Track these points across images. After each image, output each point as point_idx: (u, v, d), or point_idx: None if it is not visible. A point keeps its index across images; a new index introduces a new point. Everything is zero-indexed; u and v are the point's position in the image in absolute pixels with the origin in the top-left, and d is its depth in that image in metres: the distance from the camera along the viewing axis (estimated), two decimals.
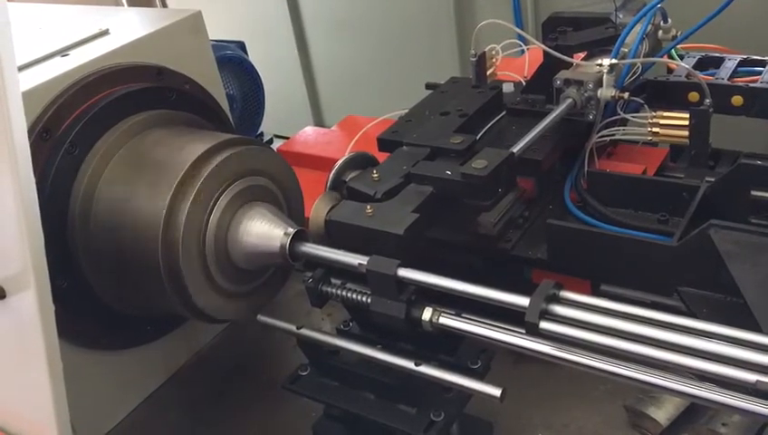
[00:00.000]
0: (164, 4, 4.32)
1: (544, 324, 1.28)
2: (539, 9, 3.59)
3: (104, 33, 2.01)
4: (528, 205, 1.87)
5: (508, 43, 2.18)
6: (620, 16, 2.03)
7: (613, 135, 1.87)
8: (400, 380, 1.53)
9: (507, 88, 2.11)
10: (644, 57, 1.96)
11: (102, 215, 1.73)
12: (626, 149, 2.02)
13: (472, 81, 2.10)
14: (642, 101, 1.89)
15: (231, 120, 2.22)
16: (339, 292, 1.53)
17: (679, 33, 2.03)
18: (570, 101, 1.80)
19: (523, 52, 2.36)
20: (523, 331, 1.32)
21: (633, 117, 1.86)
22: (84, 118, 1.75)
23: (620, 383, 1.29)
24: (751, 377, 1.10)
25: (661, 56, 2.07)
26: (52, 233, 1.61)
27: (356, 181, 1.69)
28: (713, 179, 1.71)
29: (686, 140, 1.81)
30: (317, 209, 1.62)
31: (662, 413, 1.66)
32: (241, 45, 2.97)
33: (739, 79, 2.04)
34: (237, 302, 1.78)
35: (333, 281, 1.56)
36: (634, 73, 1.95)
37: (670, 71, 2.14)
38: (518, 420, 1.78)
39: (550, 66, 1.93)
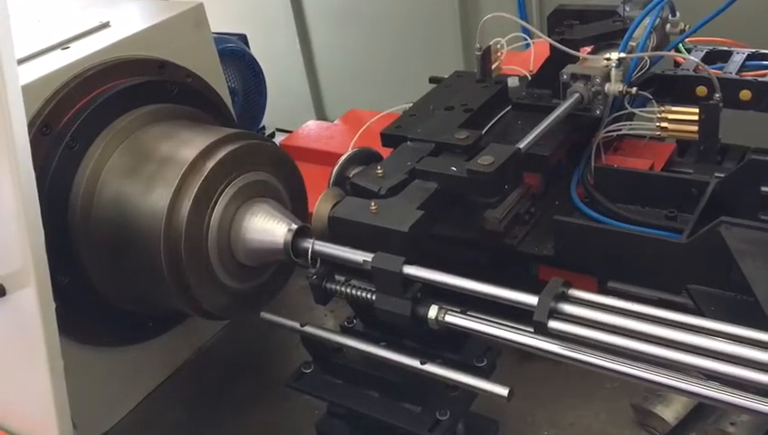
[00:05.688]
0: None
1: (553, 323, 1.26)
2: (543, 2, 3.57)
3: (105, 25, 1.99)
4: (534, 201, 1.85)
5: (513, 37, 2.16)
6: (627, 9, 2.01)
7: (620, 130, 1.85)
8: (405, 378, 1.51)
9: (512, 82, 2.09)
10: (651, 51, 1.93)
11: (104, 211, 1.71)
12: (632, 143, 1.99)
13: (476, 75, 2.08)
14: (650, 96, 1.87)
15: (233, 113, 2.20)
16: (343, 289, 1.51)
17: (687, 26, 2.01)
18: (577, 95, 1.78)
19: (528, 45, 2.34)
20: (531, 329, 1.30)
21: (641, 111, 1.83)
22: (85, 112, 1.73)
23: (628, 382, 1.26)
24: (766, 378, 1.07)
25: (669, 50, 2.05)
26: (53, 229, 1.58)
27: (360, 177, 1.67)
28: (722, 175, 1.69)
29: (695, 135, 1.79)
30: (320, 206, 1.60)
31: (670, 412, 1.64)
32: (243, 38, 2.95)
33: (747, 73, 2.02)
34: (240, 298, 1.76)
35: (337, 278, 1.54)
36: (642, 68, 1.92)
37: (677, 64, 2.11)
38: (524, 418, 1.76)
39: (556, 60, 1.91)
